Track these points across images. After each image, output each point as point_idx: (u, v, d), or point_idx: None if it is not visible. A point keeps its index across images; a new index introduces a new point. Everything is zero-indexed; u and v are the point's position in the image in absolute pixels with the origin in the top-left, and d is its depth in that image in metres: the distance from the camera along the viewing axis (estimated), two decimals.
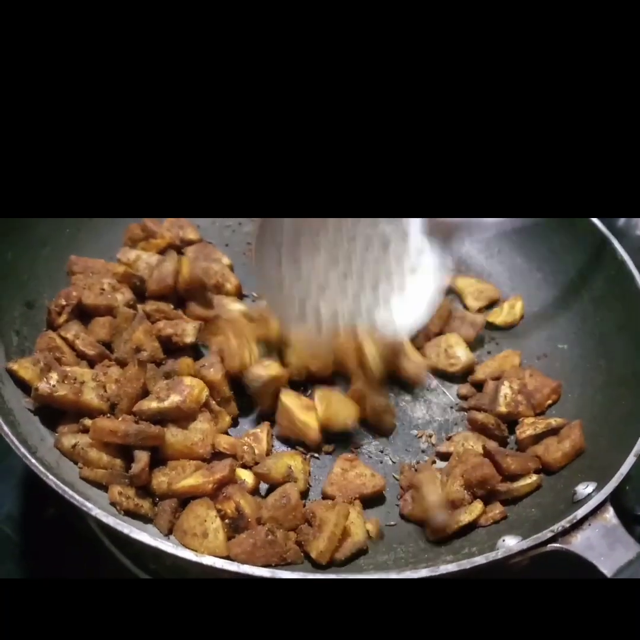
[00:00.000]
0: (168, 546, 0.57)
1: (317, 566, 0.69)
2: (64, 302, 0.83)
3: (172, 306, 0.90)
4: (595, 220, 0.96)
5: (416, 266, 0.86)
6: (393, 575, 0.57)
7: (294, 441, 0.82)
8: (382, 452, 0.84)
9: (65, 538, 0.83)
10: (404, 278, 0.85)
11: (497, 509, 0.75)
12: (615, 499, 0.67)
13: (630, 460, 0.69)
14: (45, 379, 0.73)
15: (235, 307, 0.90)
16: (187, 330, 0.85)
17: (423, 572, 0.58)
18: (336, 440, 0.83)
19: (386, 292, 0.85)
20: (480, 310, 1.00)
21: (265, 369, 0.82)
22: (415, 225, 0.85)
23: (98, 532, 0.81)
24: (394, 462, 0.83)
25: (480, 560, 0.60)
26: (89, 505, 0.59)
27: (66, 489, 0.60)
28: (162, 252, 0.97)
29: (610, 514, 0.64)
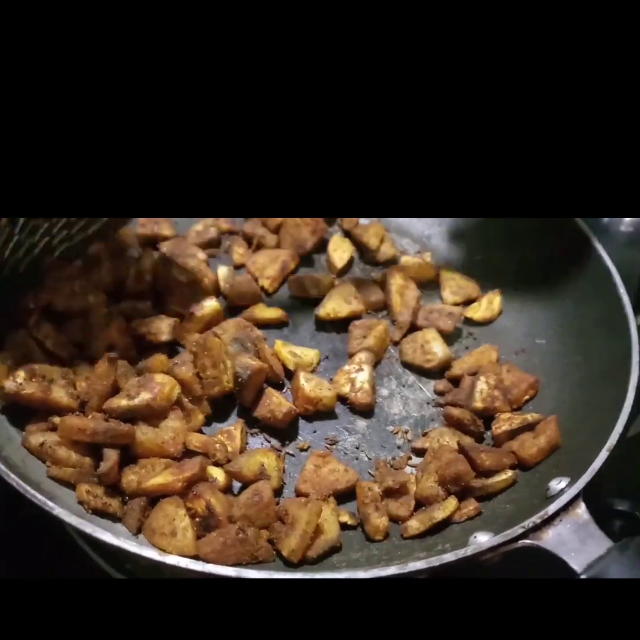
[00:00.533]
0: (131, 545, 0.56)
1: (289, 565, 0.68)
2: (32, 305, 0.81)
3: (150, 304, 0.89)
4: (578, 220, 0.96)
5: None
6: (360, 575, 0.57)
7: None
8: (357, 448, 0.83)
9: (40, 538, 0.82)
10: None
11: (471, 505, 0.74)
12: (593, 494, 0.67)
13: (602, 455, 0.68)
14: (12, 377, 0.72)
15: (210, 303, 0.89)
16: (162, 328, 0.84)
17: (392, 570, 0.58)
18: (312, 436, 0.83)
19: None
20: (455, 305, 0.99)
21: (253, 360, 0.81)
22: None
23: (72, 532, 0.80)
24: (369, 459, 0.82)
25: (449, 557, 0.59)
26: (51, 504, 0.58)
27: (28, 488, 0.59)
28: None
29: (582, 509, 0.64)
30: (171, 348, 0.86)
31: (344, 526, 0.73)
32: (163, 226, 1.02)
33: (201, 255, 0.98)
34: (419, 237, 1.10)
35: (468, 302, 1.00)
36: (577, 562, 0.60)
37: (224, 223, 1.05)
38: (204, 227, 1.04)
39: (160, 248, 0.98)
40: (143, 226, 1.01)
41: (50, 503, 0.58)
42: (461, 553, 0.59)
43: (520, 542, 0.62)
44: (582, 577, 0.59)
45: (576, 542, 0.61)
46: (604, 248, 0.93)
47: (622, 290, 0.87)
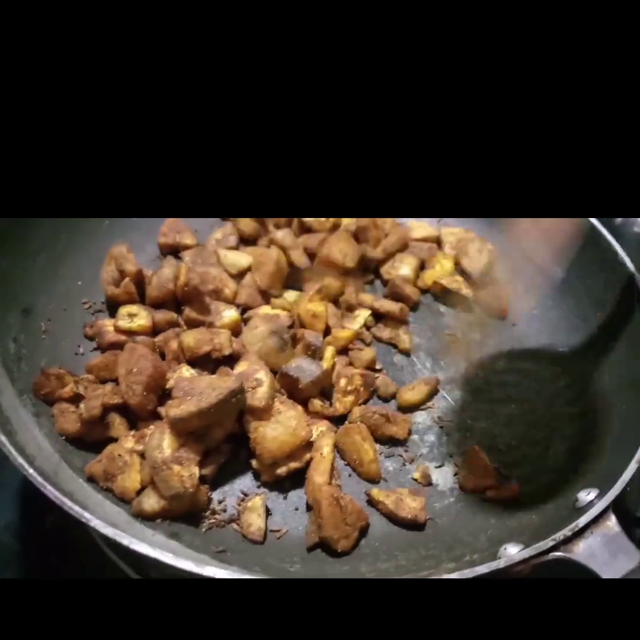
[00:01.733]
0: (168, 557, 0.57)
1: None
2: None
3: (176, 316, 0.90)
4: (596, 223, 0.95)
5: None
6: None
7: None
8: None
9: (66, 546, 0.82)
10: None
11: (509, 490, 0.77)
12: (617, 503, 0.67)
13: (632, 467, 0.68)
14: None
15: (229, 313, 0.89)
16: (223, 342, 0.84)
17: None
18: None
19: None
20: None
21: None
22: None
23: (99, 540, 0.81)
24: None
25: (482, 569, 0.59)
26: (88, 515, 0.59)
27: (65, 500, 0.59)
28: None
29: (612, 521, 0.64)
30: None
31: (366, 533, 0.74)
32: (185, 235, 1.02)
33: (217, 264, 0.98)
34: None
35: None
36: (609, 575, 0.60)
37: (245, 228, 1.05)
38: (223, 235, 1.04)
39: (183, 257, 0.99)
40: (165, 236, 1.02)
41: (86, 514, 0.59)
42: (494, 565, 0.60)
43: (551, 554, 0.62)
44: None
45: (607, 555, 0.61)
46: None
47: None
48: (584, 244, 0.95)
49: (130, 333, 0.86)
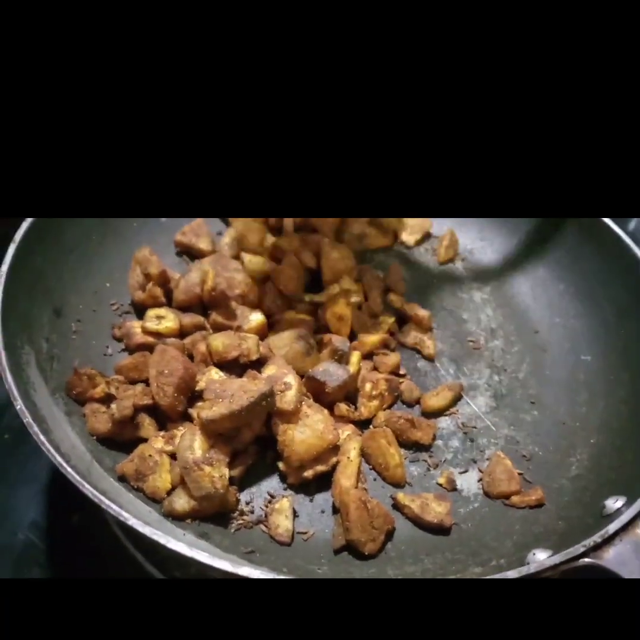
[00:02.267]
0: (204, 556, 0.58)
1: None
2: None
3: (203, 319, 0.91)
4: (619, 231, 0.96)
5: None
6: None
7: None
8: None
9: (90, 544, 0.84)
10: None
11: (534, 495, 0.78)
12: None
13: None
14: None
15: (256, 317, 0.90)
16: (251, 347, 0.85)
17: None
18: None
19: None
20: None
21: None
22: None
23: (122, 538, 0.82)
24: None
25: (512, 574, 0.60)
26: (126, 514, 0.60)
27: (103, 498, 0.60)
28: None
29: None
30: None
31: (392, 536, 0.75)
32: (202, 240, 1.03)
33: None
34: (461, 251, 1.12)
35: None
36: None
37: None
38: (230, 238, 1.04)
39: (202, 263, 0.98)
40: (183, 234, 1.03)
41: (124, 514, 0.60)
42: (525, 570, 0.60)
43: (581, 560, 0.62)
44: None
45: (637, 562, 0.62)
46: None
47: None
48: (605, 251, 0.97)
49: (158, 335, 0.87)
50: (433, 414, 0.89)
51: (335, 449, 0.79)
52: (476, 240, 1.12)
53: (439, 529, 0.77)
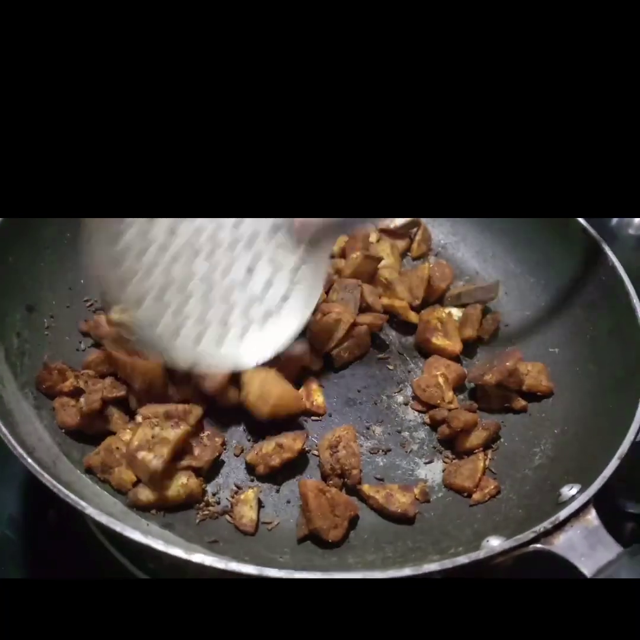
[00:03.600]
0: (158, 543, 0.59)
1: None
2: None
3: None
4: (587, 225, 0.97)
5: (289, 286, 0.83)
6: (376, 575, 0.59)
7: None
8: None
9: (67, 540, 0.85)
10: (275, 299, 0.83)
11: (491, 485, 0.79)
12: (606, 497, 0.69)
13: (613, 463, 0.70)
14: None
15: None
16: None
17: (407, 571, 0.60)
18: None
19: (258, 313, 0.82)
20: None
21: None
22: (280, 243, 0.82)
23: (97, 533, 0.83)
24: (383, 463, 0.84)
25: (462, 559, 0.61)
26: (84, 503, 0.61)
27: (61, 488, 0.62)
28: None
29: (592, 515, 0.65)
30: None
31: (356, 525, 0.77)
32: None
33: None
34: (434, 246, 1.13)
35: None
36: (587, 567, 0.61)
37: None
38: None
39: None
40: None
41: (82, 503, 0.61)
42: (474, 556, 0.61)
43: (531, 546, 0.63)
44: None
45: (586, 547, 0.63)
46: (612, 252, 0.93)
47: (635, 300, 0.88)
48: (575, 247, 0.98)
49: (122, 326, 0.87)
50: (465, 452, 0.85)
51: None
52: (449, 235, 1.13)
53: (404, 519, 0.78)
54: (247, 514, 0.76)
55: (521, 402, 0.90)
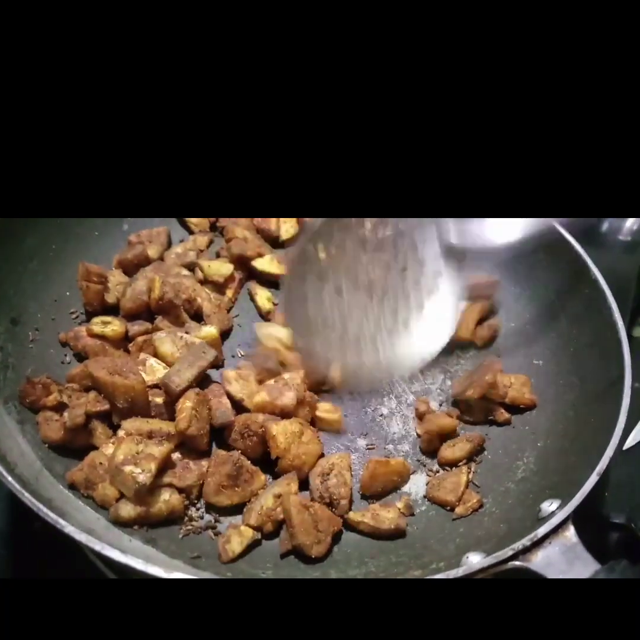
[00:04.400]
0: (138, 563, 0.59)
1: None
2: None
3: (149, 326, 0.92)
4: (571, 238, 0.98)
5: (433, 289, 0.88)
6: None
7: None
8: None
9: (52, 552, 0.84)
10: (422, 301, 0.87)
11: (474, 499, 0.80)
12: (588, 508, 0.69)
13: (593, 479, 0.70)
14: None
15: (208, 330, 0.90)
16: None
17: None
18: None
19: (406, 316, 0.87)
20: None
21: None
22: (431, 249, 0.87)
23: (83, 546, 0.83)
24: None
25: (441, 576, 0.62)
26: (63, 522, 0.61)
27: (41, 506, 0.62)
28: None
29: (570, 532, 0.66)
30: None
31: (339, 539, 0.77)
32: (152, 247, 1.02)
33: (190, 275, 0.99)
34: None
35: None
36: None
37: (203, 245, 1.06)
38: (183, 250, 1.04)
39: (147, 271, 0.97)
40: (138, 236, 1.03)
41: (61, 521, 0.61)
42: (453, 573, 0.62)
43: (510, 563, 0.64)
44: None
45: (564, 564, 0.64)
46: (601, 258, 0.94)
47: (616, 314, 0.89)
48: (558, 260, 0.98)
49: (103, 338, 0.88)
50: (448, 464, 0.87)
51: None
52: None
53: (397, 534, 0.78)
54: (235, 546, 0.74)
55: (505, 415, 0.90)
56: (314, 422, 0.86)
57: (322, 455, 0.82)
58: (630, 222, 1.13)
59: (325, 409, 0.87)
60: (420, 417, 0.90)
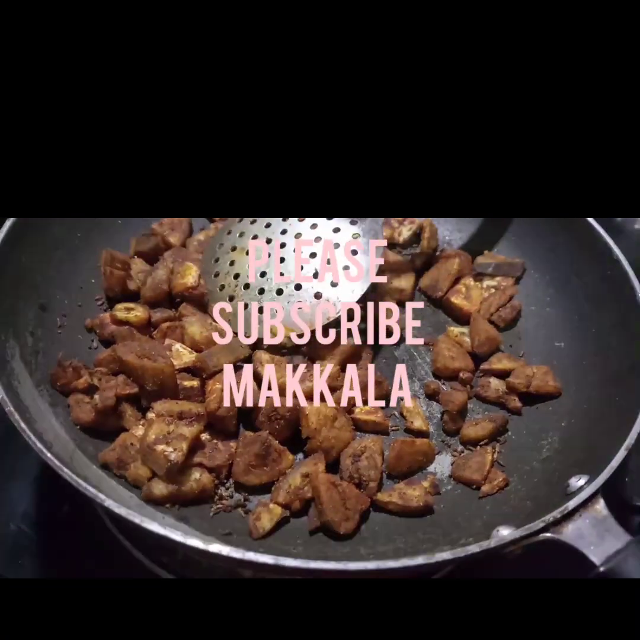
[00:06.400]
0: (177, 535, 0.60)
1: None
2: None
3: (171, 313, 0.93)
4: (592, 219, 0.98)
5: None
6: (390, 564, 0.60)
7: None
8: None
9: (80, 534, 0.86)
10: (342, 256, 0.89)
11: (499, 477, 0.81)
12: (613, 491, 0.70)
13: (621, 454, 0.71)
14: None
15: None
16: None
17: (420, 560, 0.61)
18: None
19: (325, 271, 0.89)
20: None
21: None
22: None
23: (111, 527, 0.85)
24: None
25: (474, 548, 0.62)
26: (102, 496, 0.62)
27: (80, 481, 0.63)
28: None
29: (600, 505, 0.66)
30: None
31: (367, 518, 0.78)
32: (174, 234, 1.03)
33: None
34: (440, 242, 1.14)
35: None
36: (596, 555, 0.63)
37: None
38: (205, 237, 1.04)
39: (166, 260, 0.97)
40: (161, 225, 1.04)
41: (101, 495, 0.62)
42: (485, 545, 0.62)
43: (541, 535, 0.65)
44: (601, 569, 0.62)
45: (595, 536, 0.64)
46: (618, 246, 0.94)
47: (639, 294, 0.89)
48: (579, 242, 0.99)
49: (127, 324, 0.89)
50: (471, 443, 0.87)
51: None
52: (454, 231, 1.14)
53: (426, 510, 0.79)
54: (265, 523, 0.75)
55: (517, 403, 0.90)
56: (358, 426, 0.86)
57: None
58: None
59: (365, 411, 0.87)
60: (430, 396, 0.91)
